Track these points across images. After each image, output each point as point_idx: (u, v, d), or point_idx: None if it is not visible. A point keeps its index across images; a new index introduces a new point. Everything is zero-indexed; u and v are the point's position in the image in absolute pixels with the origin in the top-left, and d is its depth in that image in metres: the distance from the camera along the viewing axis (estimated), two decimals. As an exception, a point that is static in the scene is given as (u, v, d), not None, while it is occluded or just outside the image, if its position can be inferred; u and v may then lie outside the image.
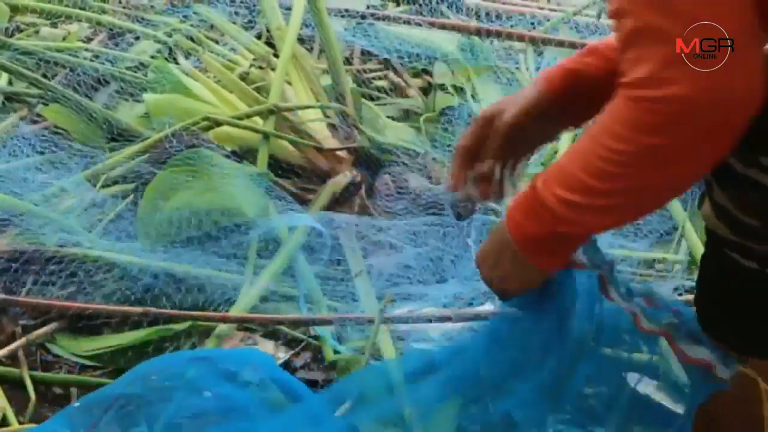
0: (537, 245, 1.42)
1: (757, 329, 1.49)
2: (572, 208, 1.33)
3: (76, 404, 1.86)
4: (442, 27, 3.37)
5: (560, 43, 3.29)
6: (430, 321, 2.22)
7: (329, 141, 2.81)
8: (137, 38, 3.37)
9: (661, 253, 2.57)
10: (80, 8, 3.41)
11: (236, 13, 3.48)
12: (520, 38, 3.34)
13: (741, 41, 1.17)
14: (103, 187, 2.64)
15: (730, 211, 1.40)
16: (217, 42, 3.34)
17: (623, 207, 1.34)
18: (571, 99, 1.52)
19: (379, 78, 3.39)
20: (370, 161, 2.81)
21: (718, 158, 1.27)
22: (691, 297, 2.32)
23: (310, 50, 3.37)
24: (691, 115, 1.19)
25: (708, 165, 1.29)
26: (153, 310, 2.26)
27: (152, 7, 3.57)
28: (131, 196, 2.62)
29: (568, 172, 1.32)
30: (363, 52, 3.46)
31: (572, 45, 3.23)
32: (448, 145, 2.94)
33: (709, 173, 1.41)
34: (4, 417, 2.04)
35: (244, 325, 2.26)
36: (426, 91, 3.35)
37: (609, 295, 1.53)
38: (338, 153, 2.77)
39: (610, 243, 2.57)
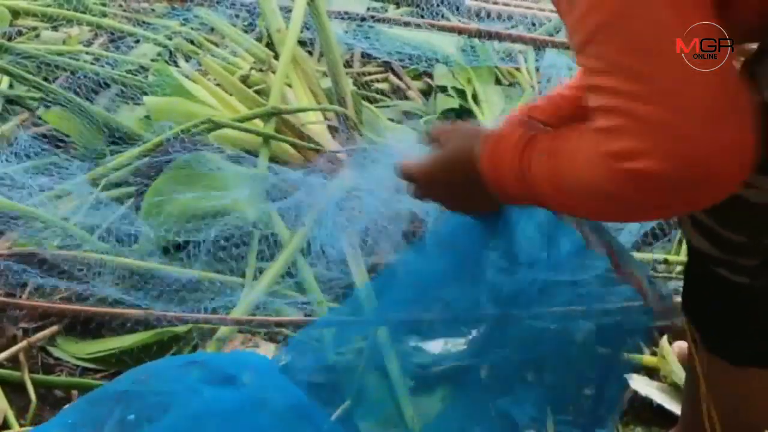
0: (513, 199, 1.41)
1: (749, 340, 1.50)
2: (544, 198, 1.32)
3: (69, 406, 1.85)
4: (443, 29, 3.37)
5: (561, 45, 3.29)
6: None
7: (330, 143, 2.81)
8: (138, 41, 3.37)
9: (662, 253, 2.57)
10: (81, 12, 3.42)
11: (236, 16, 3.48)
12: (521, 40, 3.34)
13: (721, 113, 1.11)
14: (103, 189, 2.64)
15: (713, 229, 1.39)
16: (217, 45, 3.34)
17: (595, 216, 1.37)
18: None
19: (380, 80, 3.39)
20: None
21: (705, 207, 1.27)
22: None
23: (311, 53, 3.37)
24: (666, 191, 1.14)
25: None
26: (154, 312, 2.26)
27: (153, 10, 3.57)
28: (132, 199, 2.62)
29: (548, 172, 1.30)
30: (363, 55, 3.46)
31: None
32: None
33: None
34: (5, 419, 2.05)
35: (245, 327, 2.26)
36: (426, 93, 3.36)
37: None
38: (339, 155, 2.77)
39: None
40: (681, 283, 2.38)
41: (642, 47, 1.10)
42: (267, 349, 2.24)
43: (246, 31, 3.43)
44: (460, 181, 1.44)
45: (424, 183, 1.52)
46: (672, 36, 1.09)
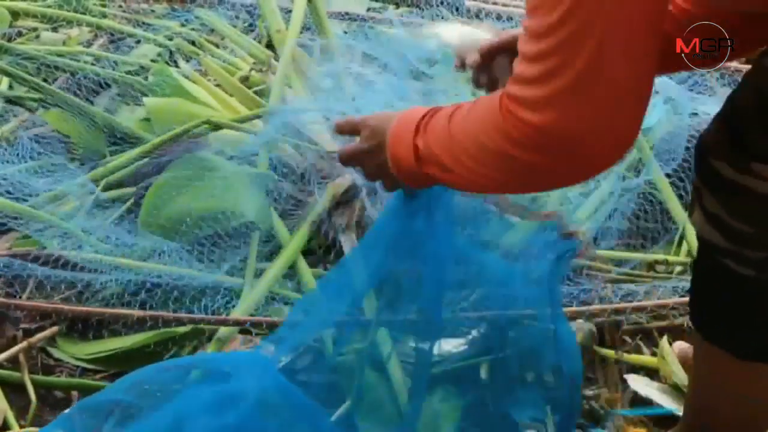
0: (409, 176, 1.46)
1: (754, 334, 1.49)
2: (440, 164, 1.36)
3: (67, 411, 1.85)
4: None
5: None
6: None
7: (330, 144, 2.81)
8: (138, 42, 3.37)
9: (662, 254, 2.57)
10: (81, 13, 3.42)
11: (236, 17, 3.48)
12: (521, 40, 3.33)
13: (637, 86, 1.15)
14: (103, 190, 2.64)
15: (722, 219, 1.39)
16: (217, 46, 3.34)
17: (473, 182, 1.37)
18: None
19: (380, 81, 3.39)
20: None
21: (574, 184, 1.30)
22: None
23: (311, 54, 3.37)
24: (558, 148, 1.18)
25: (561, 186, 1.33)
26: (154, 313, 2.26)
27: (153, 11, 3.57)
28: (132, 200, 2.62)
29: (444, 138, 1.35)
30: (363, 55, 3.46)
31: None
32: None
33: (699, 181, 1.41)
34: (5, 420, 2.05)
35: (245, 328, 2.26)
36: (426, 93, 3.35)
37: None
38: (339, 156, 2.76)
39: (610, 245, 2.57)
40: (680, 284, 2.41)
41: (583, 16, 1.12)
42: (267, 350, 2.23)
43: (246, 32, 3.43)
44: (384, 163, 1.49)
45: (359, 166, 1.61)
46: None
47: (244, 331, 2.26)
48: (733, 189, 1.35)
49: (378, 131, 1.50)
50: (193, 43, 3.30)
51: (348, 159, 1.63)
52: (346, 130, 1.64)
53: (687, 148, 2.69)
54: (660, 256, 2.54)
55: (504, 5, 3.67)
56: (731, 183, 1.34)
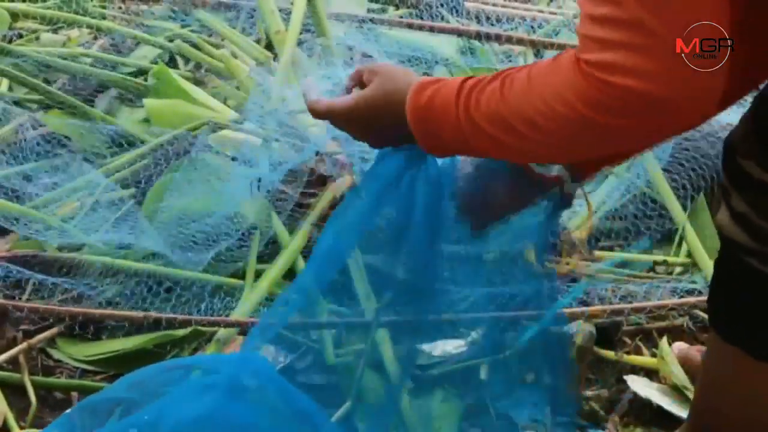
0: (439, 150, 1.43)
1: None
2: (491, 140, 1.32)
3: (68, 411, 1.85)
4: (442, 31, 3.37)
5: (560, 47, 3.28)
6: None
7: (330, 145, 2.81)
8: (138, 44, 3.38)
9: (662, 255, 2.57)
10: (80, 14, 3.42)
11: (236, 18, 3.49)
12: (520, 42, 3.34)
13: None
14: (104, 191, 2.64)
15: (749, 218, 1.38)
16: (217, 47, 3.34)
17: (531, 152, 1.34)
18: None
19: (380, 82, 3.38)
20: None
21: (646, 149, 1.28)
22: (690, 299, 2.35)
23: (310, 55, 3.37)
24: (645, 110, 1.17)
25: (635, 152, 1.31)
26: (154, 314, 2.26)
27: (152, 12, 3.57)
28: (132, 201, 2.62)
29: (495, 108, 1.30)
30: (363, 56, 3.46)
31: (572, 48, 3.22)
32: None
33: (726, 180, 1.40)
34: (5, 421, 2.05)
35: (244, 329, 2.26)
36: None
37: None
38: (339, 157, 2.76)
39: (609, 246, 2.58)
40: (680, 284, 2.41)
41: None
42: (267, 351, 2.23)
43: (245, 33, 3.43)
44: (389, 123, 1.45)
45: (342, 122, 1.52)
46: None
47: (244, 333, 2.26)
48: (762, 188, 1.34)
49: (394, 90, 1.44)
50: (193, 44, 3.30)
51: (330, 113, 1.52)
52: (355, 78, 1.54)
53: (679, 143, 2.70)
54: (660, 257, 2.55)
55: (503, 6, 3.68)
56: (760, 183, 1.34)
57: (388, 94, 1.46)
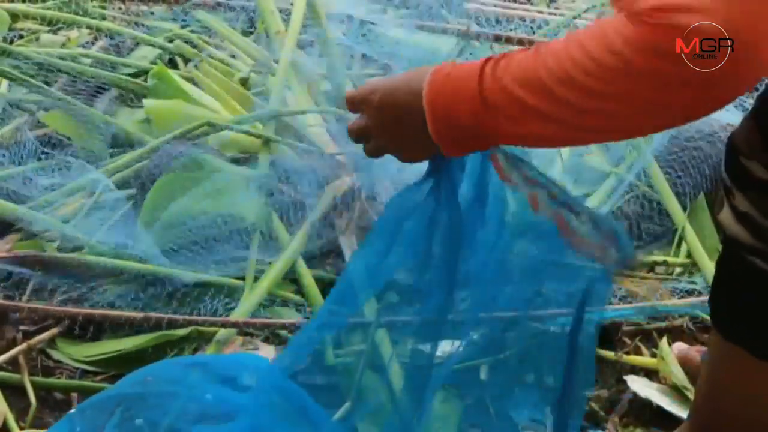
0: (452, 131, 1.32)
1: None
2: (520, 105, 1.22)
3: (73, 411, 1.85)
4: (443, 31, 3.37)
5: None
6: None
7: (330, 146, 2.81)
8: (137, 44, 3.38)
9: (661, 255, 2.57)
10: (80, 15, 3.42)
11: (236, 19, 3.49)
12: (520, 42, 3.33)
13: None
14: (103, 192, 2.64)
15: (752, 218, 1.38)
16: (216, 47, 3.34)
17: (573, 125, 1.22)
18: None
19: (380, 82, 3.38)
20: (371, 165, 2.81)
21: (713, 110, 1.18)
22: (690, 299, 2.35)
23: (310, 55, 3.37)
24: (713, 52, 1.07)
25: (703, 113, 1.17)
26: (154, 315, 2.26)
27: (152, 13, 3.57)
28: (132, 202, 2.62)
29: (529, 68, 1.21)
30: (363, 57, 3.46)
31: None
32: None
33: (729, 179, 1.40)
34: (5, 422, 2.05)
35: (244, 329, 2.26)
36: (426, 95, 3.35)
37: (510, 179, 1.44)
38: (338, 158, 2.77)
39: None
40: (680, 285, 2.41)
41: None
42: (267, 351, 2.24)
43: (245, 34, 3.43)
44: (408, 127, 1.37)
45: (373, 137, 1.44)
46: None
47: (244, 333, 2.27)
48: (765, 188, 1.34)
49: (399, 93, 1.37)
50: (192, 45, 3.30)
51: (360, 131, 1.44)
52: (358, 100, 1.45)
53: (674, 136, 2.70)
54: (660, 258, 2.55)
55: (503, 6, 3.67)
56: (763, 182, 1.34)
57: (406, 77, 1.38)
